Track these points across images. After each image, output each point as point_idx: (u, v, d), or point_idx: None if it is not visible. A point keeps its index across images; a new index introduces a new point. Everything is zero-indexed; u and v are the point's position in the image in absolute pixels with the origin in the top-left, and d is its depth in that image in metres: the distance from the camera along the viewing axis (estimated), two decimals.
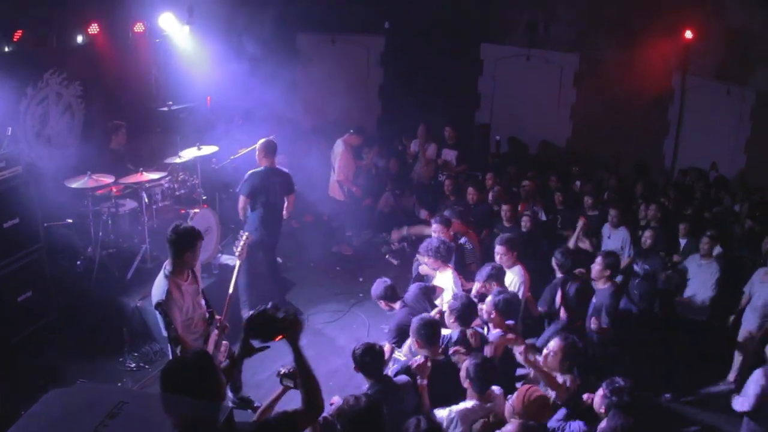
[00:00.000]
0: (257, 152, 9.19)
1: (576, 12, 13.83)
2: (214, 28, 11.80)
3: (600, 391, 5.36)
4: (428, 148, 12.99)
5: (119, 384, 7.53)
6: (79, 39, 9.88)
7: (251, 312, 3.82)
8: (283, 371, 4.70)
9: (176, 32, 11.30)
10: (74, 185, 8.67)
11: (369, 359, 5.48)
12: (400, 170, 13.08)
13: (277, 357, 3.78)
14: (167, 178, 9.65)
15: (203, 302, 6.18)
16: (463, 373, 5.51)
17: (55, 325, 8.39)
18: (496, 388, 5.60)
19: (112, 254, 9.09)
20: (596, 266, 7.75)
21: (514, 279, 7.68)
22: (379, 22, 14.79)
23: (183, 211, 9.70)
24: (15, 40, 8.81)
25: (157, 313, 5.78)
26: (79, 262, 9.08)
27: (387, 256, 11.41)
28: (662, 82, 13.13)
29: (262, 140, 9.23)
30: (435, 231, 8.44)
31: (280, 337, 3.72)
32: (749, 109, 12.06)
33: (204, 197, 10.25)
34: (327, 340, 8.93)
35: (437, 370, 5.79)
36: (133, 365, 7.96)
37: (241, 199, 9.18)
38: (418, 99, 14.67)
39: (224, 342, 6.27)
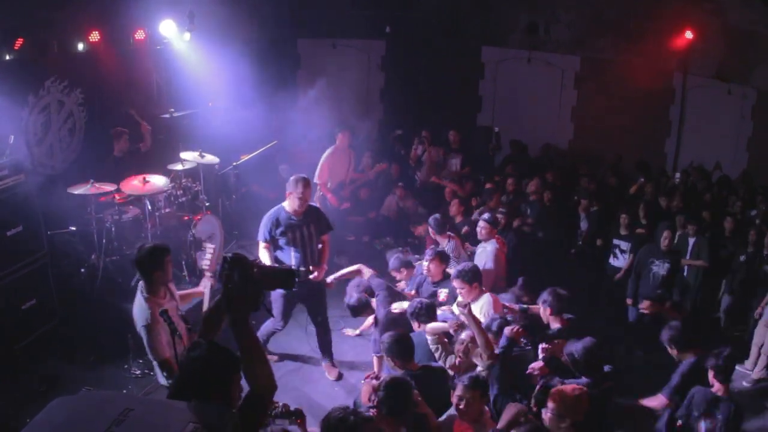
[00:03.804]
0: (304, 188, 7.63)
1: (576, 14, 13.84)
2: (215, 34, 11.81)
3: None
4: (433, 150, 12.95)
5: (124, 391, 7.52)
6: (80, 46, 9.87)
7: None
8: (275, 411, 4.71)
9: (177, 39, 11.31)
10: (77, 192, 8.69)
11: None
12: (402, 175, 13.03)
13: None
14: (170, 185, 9.66)
15: (182, 317, 5.94)
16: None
17: (58, 333, 8.41)
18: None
19: (115, 261, 9.06)
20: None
21: (483, 308, 7.01)
22: (379, 26, 14.79)
23: (186, 218, 9.71)
24: (16, 48, 8.81)
25: (143, 335, 5.61)
26: (82, 270, 9.08)
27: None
28: (663, 82, 13.14)
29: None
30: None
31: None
32: (750, 108, 12.07)
33: (207, 204, 10.25)
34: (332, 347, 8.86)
35: (422, 380, 5.70)
36: (138, 372, 7.94)
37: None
38: (419, 103, 14.68)
39: None
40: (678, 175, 12.20)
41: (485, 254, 8.53)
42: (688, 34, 12.17)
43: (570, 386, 5.14)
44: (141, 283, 5.72)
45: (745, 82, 11.95)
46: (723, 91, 12.34)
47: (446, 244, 8.77)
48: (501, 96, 15.41)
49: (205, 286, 6.35)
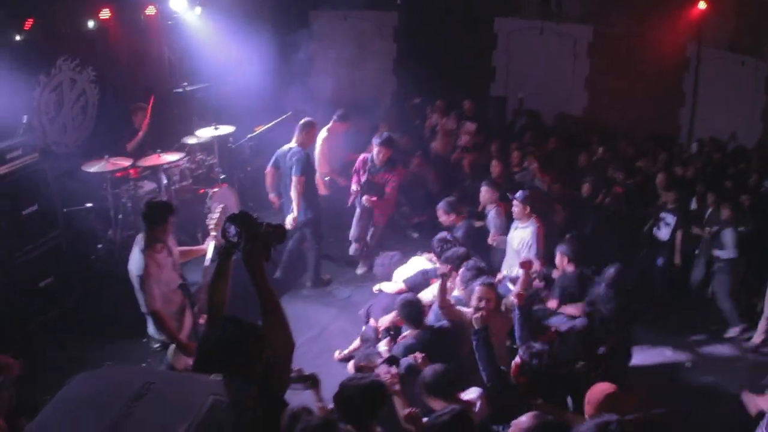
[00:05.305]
0: (307, 132, 9.08)
1: None
2: (227, 7, 11.78)
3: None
4: (447, 120, 12.83)
5: (143, 365, 7.58)
6: (91, 24, 9.87)
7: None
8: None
9: (188, 13, 11.29)
10: (92, 170, 8.73)
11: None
12: (414, 145, 12.79)
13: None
14: (185, 159, 9.69)
15: (178, 274, 6.29)
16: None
17: (77, 309, 8.48)
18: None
19: (132, 236, 9.02)
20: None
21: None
22: None
23: (202, 191, 9.77)
24: (26, 28, 8.81)
25: (136, 285, 6.03)
26: (99, 246, 9.15)
27: (408, 231, 11.30)
28: (677, 53, 12.99)
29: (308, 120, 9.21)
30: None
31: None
32: (764, 79, 11.96)
33: (222, 176, 10.29)
34: (351, 314, 8.80)
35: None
36: (158, 345, 7.97)
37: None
38: (432, 74, 14.60)
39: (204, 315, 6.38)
40: (695, 145, 12.11)
41: (529, 234, 7.82)
42: (701, 5, 12.05)
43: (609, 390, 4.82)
44: (138, 237, 6.22)
45: (758, 54, 11.83)
46: (736, 63, 12.22)
47: (492, 209, 8.71)
48: (514, 66, 15.33)
49: (209, 244, 6.44)
